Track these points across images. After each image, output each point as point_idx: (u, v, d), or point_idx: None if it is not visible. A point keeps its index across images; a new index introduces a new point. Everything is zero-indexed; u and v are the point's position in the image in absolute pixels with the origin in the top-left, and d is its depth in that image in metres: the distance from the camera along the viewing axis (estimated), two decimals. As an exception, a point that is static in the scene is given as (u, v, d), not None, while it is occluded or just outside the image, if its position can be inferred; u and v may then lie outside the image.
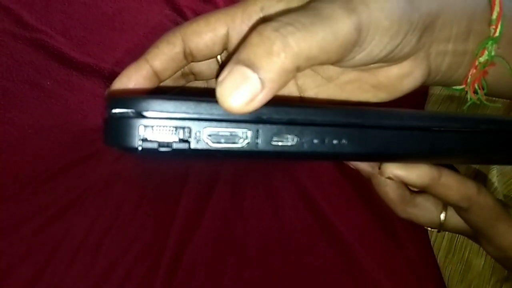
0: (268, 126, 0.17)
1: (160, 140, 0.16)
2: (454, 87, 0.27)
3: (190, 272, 0.38)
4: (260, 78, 0.16)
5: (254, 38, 0.16)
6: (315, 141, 0.17)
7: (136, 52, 0.59)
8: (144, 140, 0.16)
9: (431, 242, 0.43)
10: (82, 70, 0.54)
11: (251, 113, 0.16)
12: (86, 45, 0.57)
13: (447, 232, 0.42)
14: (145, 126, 0.16)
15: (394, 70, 0.21)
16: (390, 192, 0.24)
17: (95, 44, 0.57)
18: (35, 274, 0.36)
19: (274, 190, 0.45)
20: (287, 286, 0.39)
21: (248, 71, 0.16)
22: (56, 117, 0.48)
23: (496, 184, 0.38)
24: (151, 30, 0.62)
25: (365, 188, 0.46)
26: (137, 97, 0.16)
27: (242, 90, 0.15)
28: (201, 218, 0.41)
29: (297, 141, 0.17)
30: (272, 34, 0.16)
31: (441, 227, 0.25)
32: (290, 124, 0.17)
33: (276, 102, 0.20)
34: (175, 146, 0.16)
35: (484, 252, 0.40)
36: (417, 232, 0.44)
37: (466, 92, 0.27)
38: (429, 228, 0.26)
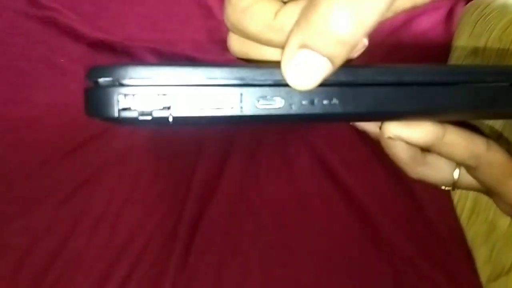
0: (253, 89, 0.16)
1: (140, 108, 0.15)
2: None
3: (207, 241, 0.38)
4: (329, 58, 0.15)
5: (316, 18, 0.15)
6: (304, 102, 0.16)
7: (146, 24, 0.59)
8: (123, 109, 0.15)
9: (455, 203, 0.42)
10: (94, 45, 0.54)
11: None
12: (96, 20, 0.57)
13: (471, 192, 0.41)
14: (124, 95, 0.15)
15: None
16: (400, 152, 0.23)
17: (105, 19, 0.57)
18: (56, 248, 0.37)
19: (290, 157, 0.45)
20: (304, 252, 0.39)
21: (315, 56, 0.15)
22: (71, 94, 0.48)
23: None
24: (161, 0, 0.61)
25: (383, 152, 0.45)
26: (115, 65, 0.15)
27: (309, 72, 0.15)
28: (217, 187, 0.41)
29: (284, 103, 0.16)
30: (339, 19, 0.14)
31: (454, 185, 0.24)
32: (276, 85, 0.16)
33: (260, 63, 0.19)
34: (155, 114, 0.16)
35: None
36: (438, 193, 0.43)
37: None
38: (443, 187, 0.25)
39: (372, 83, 0.17)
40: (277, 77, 0.16)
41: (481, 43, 0.44)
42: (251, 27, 0.17)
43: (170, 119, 0.16)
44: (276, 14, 0.17)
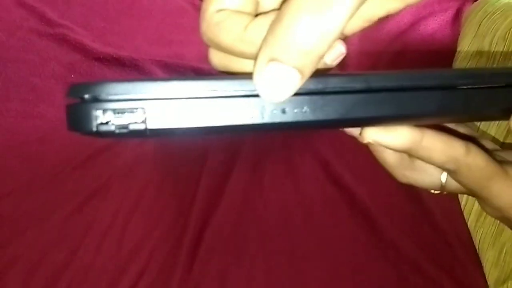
0: (225, 100, 0.17)
1: (116, 122, 0.16)
2: None
3: (212, 250, 0.39)
4: (297, 70, 0.16)
5: (280, 32, 0.16)
6: (275, 111, 0.17)
7: (153, 37, 0.61)
8: (101, 123, 0.16)
9: (462, 206, 0.41)
10: (103, 60, 0.56)
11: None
12: (106, 35, 0.58)
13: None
14: (101, 110, 0.16)
15: None
16: (388, 158, 0.23)
17: (115, 34, 0.59)
18: (65, 260, 0.38)
19: (294, 164, 0.45)
20: (310, 259, 0.39)
21: (284, 68, 0.16)
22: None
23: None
24: (168, 14, 0.62)
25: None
26: (92, 82, 0.16)
27: (280, 85, 0.16)
28: (221, 196, 0.42)
29: (256, 112, 0.17)
30: (302, 31, 0.15)
31: (443, 188, 0.24)
32: (248, 96, 0.17)
33: (231, 74, 0.19)
34: (132, 127, 0.16)
35: (518, 213, 0.37)
36: (444, 198, 0.42)
37: None
38: (432, 191, 0.25)
39: (341, 90, 0.17)
40: (248, 87, 0.17)
41: (486, 42, 0.43)
42: (224, 40, 0.18)
43: (147, 131, 0.16)
44: (246, 27, 0.18)
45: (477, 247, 0.39)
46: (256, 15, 0.19)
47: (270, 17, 0.17)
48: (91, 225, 0.40)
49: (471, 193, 0.23)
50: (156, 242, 0.39)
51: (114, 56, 0.56)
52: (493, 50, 0.42)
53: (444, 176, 0.24)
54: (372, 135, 0.20)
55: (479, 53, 0.45)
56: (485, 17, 0.45)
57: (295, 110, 0.17)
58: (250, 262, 0.38)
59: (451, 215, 0.41)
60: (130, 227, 0.40)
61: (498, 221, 0.38)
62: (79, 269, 0.37)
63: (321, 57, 0.16)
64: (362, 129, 0.21)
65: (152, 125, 0.16)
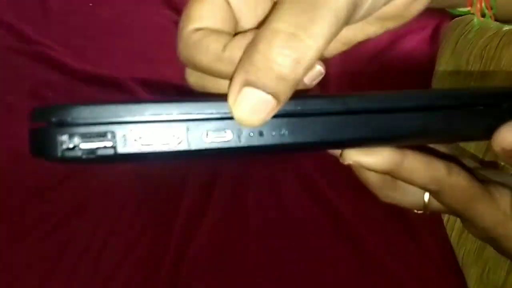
0: (199, 123, 0.16)
1: (83, 147, 0.15)
2: (460, 9, 0.25)
3: (193, 274, 0.37)
4: (273, 95, 0.15)
5: (255, 55, 0.15)
6: (252, 134, 0.16)
7: (134, 55, 0.60)
8: (67, 149, 0.15)
9: (444, 222, 0.41)
10: (82, 78, 0.55)
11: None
12: (85, 53, 0.57)
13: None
14: (66, 135, 0.15)
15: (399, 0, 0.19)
16: (370, 178, 0.23)
17: (94, 51, 0.58)
18: (40, 282, 0.36)
19: (277, 183, 0.44)
20: (295, 282, 0.38)
21: (259, 94, 0.15)
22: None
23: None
24: (149, 32, 0.62)
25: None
26: (56, 106, 0.15)
27: (255, 109, 0.15)
28: (202, 218, 0.41)
29: (233, 136, 0.16)
30: (278, 56, 0.15)
31: (426, 208, 0.24)
32: (223, 118, 0.16)
33: (206, 95, 0.19)
34: (100, 152, 0.15)
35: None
36: (429, 215, 0.42)
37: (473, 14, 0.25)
38: (414, 210, 0.25)
39: (320, 112, 0.17)
40: (223, 110, 0.16)
41: (462, 61, 0.44)
42: (201, 60, 0.18)
43: (116, 157, 0.16)
44: (225, 47, 0.17)
45: (460, 264, 0.39)
46: (235, 34, 0.18)
47: (249, 37, 0.17)
48: (66, 248, 0.38)
49: (454, 213, 0.23)
50: (134, 264, 0.38)
51: (94, 74, 0.55)
52: (470, 68, 0.43)
53: (426, 196, 0.23)
54: (352, 156, 0.20)
55: (457, 72, 0.45)
56: (461, 36, 0.45)
57: (273, 133, 0.17)
58: (233, 285, 0.37)
59: (434, 231, 0.41)
60: (106, 251, 0.38)
61: (481, 238, 0.38)
62: (53, 295, 0.36)
63: (298, 82, 0.16)
64: (342, 150, 0.20)
65: (122, 149, 0.16)
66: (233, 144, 0.16)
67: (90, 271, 0.37)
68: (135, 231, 0.40)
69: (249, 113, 0.15)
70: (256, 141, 0.16)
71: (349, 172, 0.47)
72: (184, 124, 0.16)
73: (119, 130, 0.16)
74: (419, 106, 0.17)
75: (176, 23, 0.63)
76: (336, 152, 0.23)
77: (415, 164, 0.20)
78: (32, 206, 0.42)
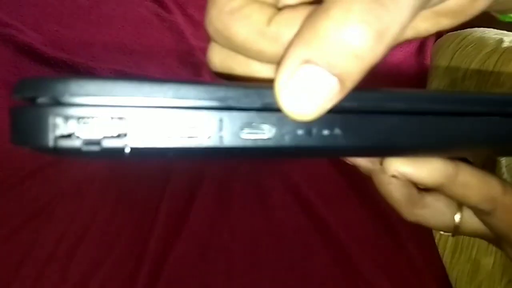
0: (236, 114, 0.13)
1: (85, 136, 0.12)
2: None
3: (173, 283, 0.34)
4: (339, 78, 0.12)
5: (324, 26, 0.12)
6: (300, 132, 0.13)
7: (114, 46, 0.56)
8: (62, 136, 0.11)
9: (436, 241, 0.40)
10: (55, 65, 0.50)
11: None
12: (59, 39, 0.53)
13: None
14: (63, 117, 0.11)
15: None
16: (395, 192, 0.20)
17: (70, 39, 0.54)
18: (-3, 292, 0.32)
19: (264, 189, 0.42)
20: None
21: (322, 75, 0.12)
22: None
23: (505, 175, 0.35)
24: (130, 22, 0.58)
25: (362, 185, 0.42)
26: (52, 78, 0.11)
27: (313, 96, 0.12)
28: (184, 222, 0.38)
29: (275, 132, 0.13)
30: (357, 26, 0.12)
31: (456, 231, 0.22)
32: (265, 110, 0.13)
33: (245, 81, 0.16)
34: (107, 144, 0.12)
35: (493, 250, 0.36)
36: (419, 230, 0.41)
37: None
38: (441, 232, 0.23)
39: (383, 110, 0.14)
40: (267, 100, 0.13)
41: (459, 75, 0.43)
42: (239, 33, 0.14)
43: (127, 151, 0.12)
44: (270, 20, 0.14)
45: (453, 285, 0.37)
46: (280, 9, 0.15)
47: (302, 11, 0.14)
48: (30, 253, 0.34)
49: (500, 237, 0.21)
50: (106, 274, 0.34)
51: (68, 63, 0.51)
52: (466, 83, 0.42)
53: (457, 217, 0.21)
54: (399, 167, 0.17)
55: (452, 85, 0.45)
56: (458, 50, 0.45)
57: (324, 132, 0.13)
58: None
59: (425, 250, 0.40)
60: (76, 256, 0.35)
61: (474, 258, 0.37)
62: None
63: (371, 66, 0.12)
64: (383, 159, 0.18)
65: (135, 142, 0.12)
66: (274, 143, 0.13)
67: (57, 280, 0.33)
68: (108, 237, 0.36)
69: (304, 100, 0.12)
70: (303, 141, 0.13)
71: (337, 183, 0.45)
72: (216, 114, 0.12)
73: (132, 116, 0.12)
74: (498, 110, 0.15)
75: (159, 17, 0.60)
76: (359, 161, 0.21)
77: (470, 179, 0.18)
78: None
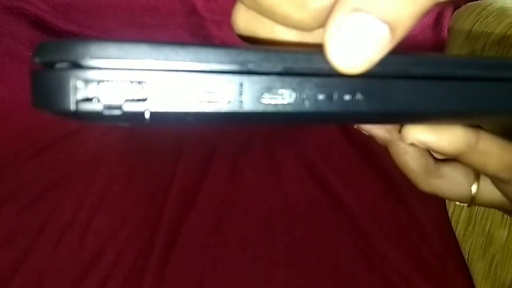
0: (256, 78, 0.12)
1: (106, 100, 0.11)
2: None
3: (186, 253, 0.35)
4: (390, 25, 0.12)
5: None
6: (320, 97, 0.13)
7: (124, 18, 0.56)
8: (83, 100, 0.11)
9: (449, 214, 0.40)
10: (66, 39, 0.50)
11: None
12: (71, 12, 0.53)
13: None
14: (84, 81, 0.11)
15: None
16: (411, 161, 0.20)
17: (81, 11, 0.53)
18: (17, 259, 0.33)
19: (277, 162, 0.42)
20: (291, 265, 0.36)
21: (373, 23, 0.11)
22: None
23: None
24: (141, -5, 0.57)
25: (376, 158, 0.42)
26: (72, 41, 0.11)
27: (362, 46, 0.12)
28: (198, 194, 0.38)
29: (295, 97, 0.13)
30: None
31: (472, 201, 0.21)
32: (286, 74, 0.13)
33: (266, 45, 0.15)
34: (127, 108, 0.12)
35: (508, 222, 0.36)
36: (432, 203, 0.41)
37: None
38: (457, 203, 0.22)
39: (407, 75, 0.13)
40: (287, 64, 0.13)
41: (478, 46, 0.42)
42: None
43: (147, 115, 0.12)
44: None
45: (466, 258, 0.37)
46: None
47: None
48: (48, 222, 0.35)
49: None
50: (123, 243, 0.35)
51: (79, 35, 0.51)
52: (486, 54, 0.41)
53: (474, 187, 0.21)
54: (418, 135, 0.17)
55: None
56: (477, 21, 0.43)
57: (346, 97, 0.13)
58: (228, 268, 0.35)
59: (439, 223, 0.40)
60: (93, 225, 0.35)
61: (487, 231, 0.37)
62: (32, 273, 0.32)
63: (425, 12, 0.12)
64: (402, 127, 0.17)
65: (155, 106, 0.12)
66: (295, 108, 0.13)
67: (75, 248, 0.34)
68: (124, 207, 0.37)
69: (352, 51, 0.12)
70: (324, 107, 0.13)
71: (351, 156, 0.45)
72: (237, 78, 0.12)
73: (154, 79, 0.12)
74: None
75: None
76: (374, 130, 0.21)
77: (491, 147, 0.18)
78: (10, 175, 0.38)
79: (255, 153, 0.43)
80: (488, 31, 0.41)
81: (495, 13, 0.42)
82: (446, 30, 0.54)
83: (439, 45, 0.54)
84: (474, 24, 0.44)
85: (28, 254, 0.33)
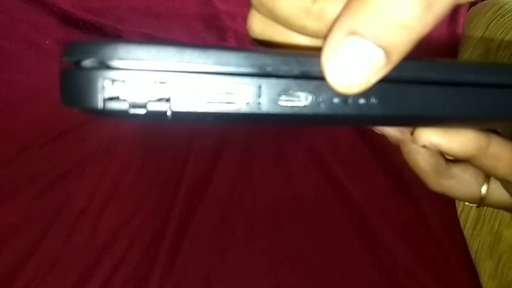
0: (274, 81, 0.13)
1: (132, 99, 0.12)
2: None
3: (196, 242, 0.36)
4: (385, 50, 0.12)
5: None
6: (336, 100, 0.13)
7: (140, 8, 0.56)
8: (110, 98, 0.12)
9: (458, 213, 0.40)
10: (83, 27, 0.51)
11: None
12: (87, 1, 0.53)
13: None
14: (111, 80, 0.12)
15: None
16: (422, 161, 0.20)
17: (97, 1, 0.54)
18: (32, 244, 0.34)
19: (286, 156, 0.42)
20: (298, 258, 0.37)
21: (368, 47, 0.12)
22: (55, 78, 0.45)
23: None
24: (156, -15, 0.57)
25: (386, 154, 0.42)
26: (101, 42, 0.12)
27: (358, 69, 0.12)
28: (208, 186, 0.39)
29: (311, 100, 0.13)
30: None
31: (481, 202, 0.22)
32: (303, 77, 0.13)
33: (284, 49, 0.16)
34: (151, 107, 0.12)
35: (516, 223, 0.36)
36: (441, 201, 0.41)
37: None
38: (466, 203, 0.23)
39: (420, 80, 0.14)
40: (304, 68, 0.13)
41: (493, 45, 0.42)
42: (284, 8, 0.14)
43: (169, 114, 0.12)
44: None
45: (473, 257, 0.38)
46: None
47: None
48: (61, 209, 0.36)
49: None
50: (135, 231, 0.35)
51: (96, 24, 0.52)
52: (501, 53, 0.41)
53: (484, 188, 0.21)
54: (430, 137, 0.17)
55: (486, 54, 0.43)
56: (494, 19, 0.43)
57: (361, 101, 0.13)
58: (236, 258, 0.36)
59: (447, 221, 0.40)
60: (106, 213, 0.36)
61: (496, 230, 0.37)
62: (45, 258, 0.33)
63: (419, 38, 0.12)
64: (415, 129, 0.18)
65: (177, 106, 0.12)
66: (310, 110, 0.13)
67: (88, 235, 0.35)
68: (136, 196, 0.37)
69: (349, 73, 0.12)
70: (339, 110, 0.13)
71: (361, 152, 0.45)
72: (256, 81, 0.13)
73: (176, 80, 0.12)
74: None
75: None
76: (388, 130, 0.21)
77: (501, 151, 0.18)
78: (24, 162, 0.39)
79: (265, 148, 0.43)
80: (504, 30, 0.41)
81: (511, 13, 0.41)
82: (461, 27, 0.53)
83: (453, 42, 0.54)
84: (490, 22, 0.43)
85: (42, 240, 0.34)
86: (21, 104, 0.44)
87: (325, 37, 0.13)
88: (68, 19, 0.51)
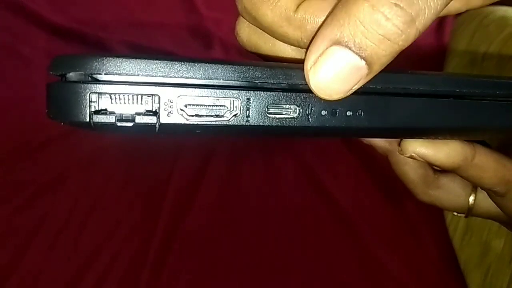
0: (263, 94, 0.13)
1: (119, 112, 0.12)
2: None
3: (182, 257, 0.35)
4: (367, 61, 0.12)
5: (357, 7, 0.12)
6: (323, 112, 0.13)
7: (123, 16, 0.55)
8: (97, 112, 0.12)
9: (447, 222, 0.40)
10: (65, 35, 0.50)
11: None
12: (70, 9, 0.52)
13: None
14: (98, 94, 0.12)
15: None
16: (410, 172, 0.20)
17: (79, 8, 0.53)
18: (11, 262, 0.33)
19: (275, 167, 0.42)
20: (289, 270, 0.36)
21: (350, 56, 0.12)
22: (36, 87, 0.44)
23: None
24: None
25: (375, 165, 0.42)
26: (88, 55, 0.12)
27: (340, 77, 0.12)
28: (194, 196, 0.38)
29: (300, 112, 0.13)
30: (389, 10, 0.12)
31: (469, 212, 0.22)
32: (291, 90, 0.13)
33: (273, 61, 0.16)
34: (139, 120, 0.12)
35: (504, 232, 0.36)
36: (430, 211, 0.41)
37: None
38: (454, 213, 0.22)
39: (406, 93, 0.14)
40: (293, 80, 0.13)
41: (479, 53, 0.42)
42: (266, 15, 0.14)
43: (157, 127, 0.12)
44: (298, 6, 0.14)
45: (462, 267, 0.37)
46: None
47: (330, 0, 0.14)
48: (43, 222, 0.35)
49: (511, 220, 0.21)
50: (118, 245, 0.34)
51: (78, 32, 0.51)
52: (486, 63, 0.41)
53: (472, 198, 0.21)
54: (416, 148, 0.17)
55: (471, 63, 0.44)
56: (479, 28, 0.43)
57: (348, 113, 0.13)
58: (224, 273, 0.35)
59: (436, 232, 0.40)
60: (88, 227, 0.35)
61: (484, 241, 0.37)
62: (27, 274, 0.32)
63: (400, 50, 0.12)
64: (401, 140, 0.18)
65: (166, 119, 0.12)
66: (299, 123, 0.13)
67: (70, 249, 0.33)
68: (120, 208, 0.36)
69: (331, 80, 0.12)
70: (327, 122, 0.13)
71: (349, 162, 0.45)
72: (244, 94, 0.13)
73: (164, 93, 0.12)
74: None
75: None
76: (376, 141, 0.20)
77: (487, 161, 0.18)
78: (4, 175, 0.37)
79: (254, 156, 0.43)
80: (489, 40, 0.41)
81: (495, 22, 0.42)
82: (448, 36, 0.54)
83: (440, 51, 0.54)
84: (475, 32, 0.44)
85: (23, 255, 0.33)
86: (0, 114, 0.42)
87: (307, 46, 0.13)
88: (49, 27, 0.50)
